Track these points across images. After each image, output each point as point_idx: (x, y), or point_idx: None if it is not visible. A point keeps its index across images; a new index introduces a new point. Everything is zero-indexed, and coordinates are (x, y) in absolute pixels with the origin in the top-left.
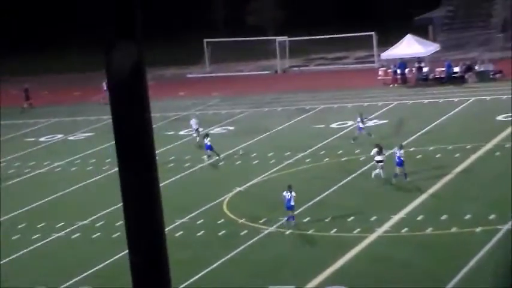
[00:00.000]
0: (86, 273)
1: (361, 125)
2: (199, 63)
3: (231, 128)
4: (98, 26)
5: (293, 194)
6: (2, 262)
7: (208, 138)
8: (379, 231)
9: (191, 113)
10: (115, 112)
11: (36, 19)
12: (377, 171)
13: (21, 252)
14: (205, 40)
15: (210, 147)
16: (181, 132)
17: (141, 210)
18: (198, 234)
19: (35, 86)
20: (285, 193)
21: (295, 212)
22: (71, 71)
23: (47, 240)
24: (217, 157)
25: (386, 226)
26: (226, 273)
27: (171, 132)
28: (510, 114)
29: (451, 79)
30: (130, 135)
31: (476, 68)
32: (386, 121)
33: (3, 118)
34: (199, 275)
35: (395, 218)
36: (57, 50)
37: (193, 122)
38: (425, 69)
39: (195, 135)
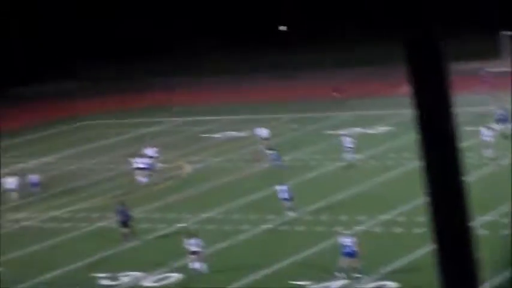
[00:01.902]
0: (389, 268)
1: None
2: (499, 57)
3: None
4: (397, 21)
5: None
6: (308, 253)
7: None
8: None
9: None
10: (418, 107)
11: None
12: None
13: (323, 244)
14: (502, 33)
15: None
16: (481, 128)
17: (446, 206)
18: (504, 233)
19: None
20: None
21: None
22: (369, 64)
23: (350, 232)
24: None
25: None
26: None
27: (470, 128)
28: None
29: None
30: (434, 130)
31: None
32: None
33: (307, 111)
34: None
35: None
36: (349, 42)
37: None
38: None
39: None
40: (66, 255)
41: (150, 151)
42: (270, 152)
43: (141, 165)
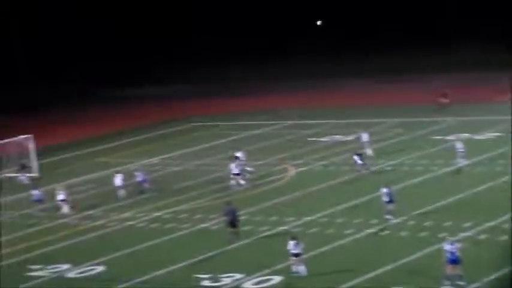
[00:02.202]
0: (492, 277)
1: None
2: None
3: None
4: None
5: None
6: (411, 258)
7: None
8: None
9: None
10: None
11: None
12: None
13: (426, 249)
14: None
15: None
16: None
17: None
18: None
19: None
20: None
21: None
22: (476, 68)
23: (454, 238)
24: None
25: None
26: None
27: None
28: None
29: None
30: None
31: None
32: None
33: (413, 116)
34: None
35: None
36: (456, 46)
37: None
38: None
39: None
40: (168, 255)
41: (240, 154)
42: (357, 157)
43: (236, 171)
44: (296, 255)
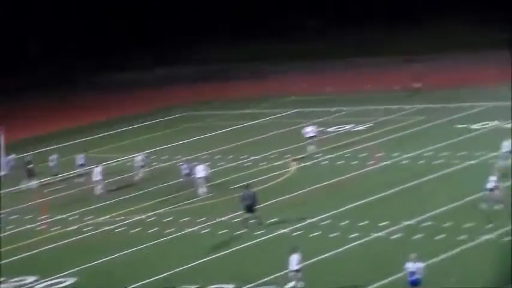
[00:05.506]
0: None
1: None
2: None
3: None
4: None
5: None
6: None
7: None
8: None
9: None
10: None
11: None
12: None
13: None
14: None
15: None
16: None
17: None
18: None
19: None
20: None
21: None
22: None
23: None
24: None
25: None
26: None
27: None
28: None
29: None
30: None
31: None
32: None
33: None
34: None
35: None
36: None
37: None
38: None
39: None
40: (149, 265)
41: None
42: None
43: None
44: (297, 271)
